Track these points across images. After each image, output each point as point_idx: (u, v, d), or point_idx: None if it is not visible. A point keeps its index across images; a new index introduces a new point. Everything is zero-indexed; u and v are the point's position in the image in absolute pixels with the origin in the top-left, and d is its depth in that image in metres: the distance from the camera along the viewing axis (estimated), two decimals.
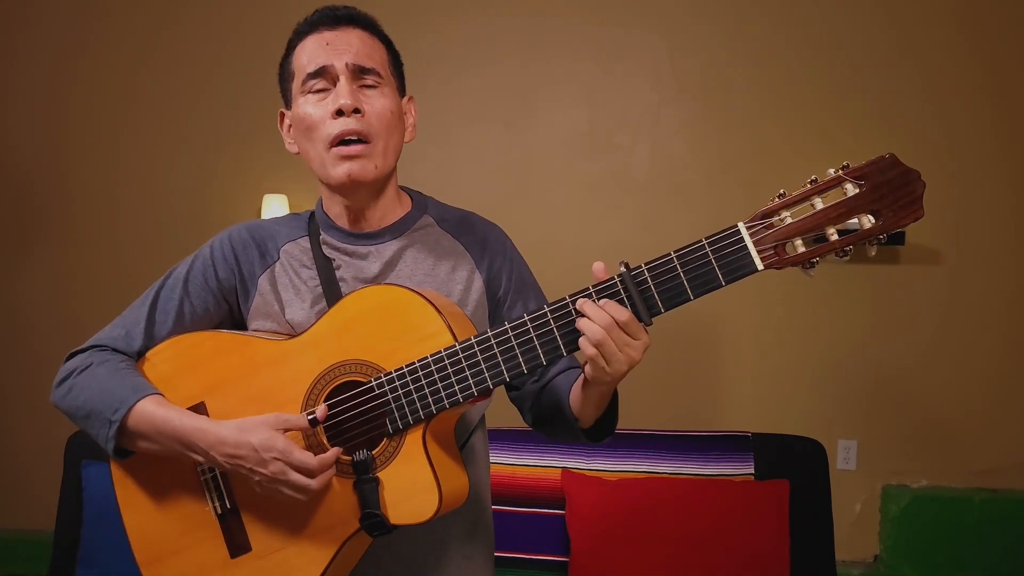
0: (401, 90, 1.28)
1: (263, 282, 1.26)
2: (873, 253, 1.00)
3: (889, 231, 0.98)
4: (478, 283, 1.27)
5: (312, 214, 1.31)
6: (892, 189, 0.97)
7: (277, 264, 1.27)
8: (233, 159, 3.35)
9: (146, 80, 3.40)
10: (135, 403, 1.14)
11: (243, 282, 1.27)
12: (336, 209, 1.27)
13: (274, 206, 3.16)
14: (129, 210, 3.41)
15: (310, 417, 1.11)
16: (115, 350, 1.23)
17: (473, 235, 1.30)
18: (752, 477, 2.18)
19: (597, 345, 1.03)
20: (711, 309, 3.08)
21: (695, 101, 3.16)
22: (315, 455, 1.10)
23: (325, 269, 1.24)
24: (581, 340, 1.04)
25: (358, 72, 1.20)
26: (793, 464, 2.18)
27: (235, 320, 1.29)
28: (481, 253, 1.29)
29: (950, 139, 2.99)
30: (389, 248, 1.25)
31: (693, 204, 3.13)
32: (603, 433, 1.21)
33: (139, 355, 1.24)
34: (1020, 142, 2.99)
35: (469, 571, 1.30)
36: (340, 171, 1.19)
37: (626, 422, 2.44)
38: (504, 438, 2.26)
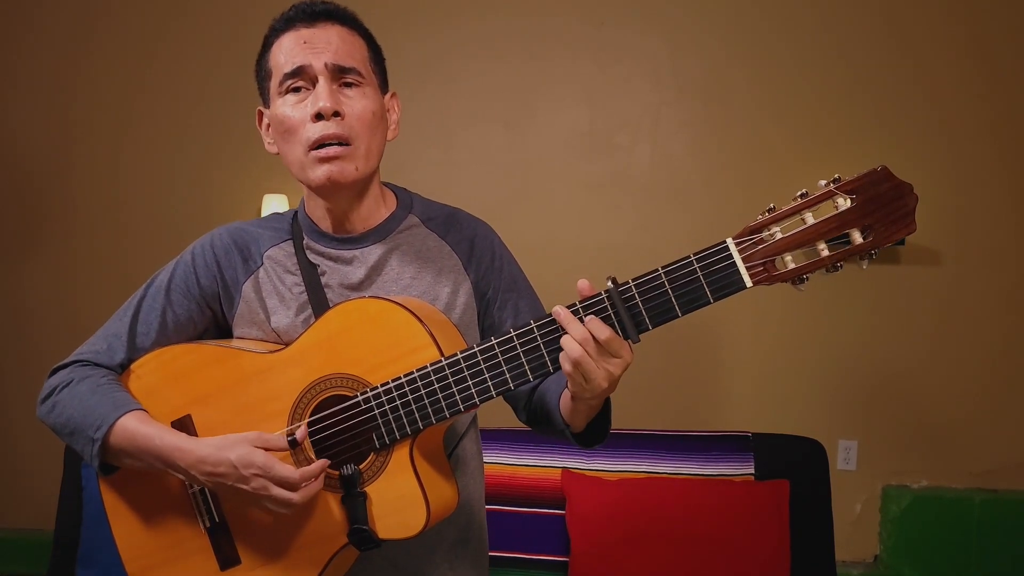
0: (383, 87, 1.24)
1: (247, 289, 1.23)
2: (865, 267, 0.99)
3: (880, 246, 0.96)
4: (466, 286, 1.25)
5: (295, 215, 1.28)
6: (884, 203, 0.95)
7: (261, 270, 1.24)
8: (234, 158, 3.35)
9: (149, 79, 3.40)
10: (115, 420, 1.12)
11: (227, 289, 1.24)
12: (319, 212, 1.24)
13: (274, 206, 3.16)
14: (131, 209, 3.41)
15: (289, 439, 1.10)
16: (97, 364, 1.21)
17: (460, 234, 1.27)
18: (752, 477, 2.18)
19: (575, 364, 1.01)
20: (711, 309, 3.08)
21: (695, 102, 3.16)
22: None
23: (310, 275, 1.22)
24: (560, 356, 1.03)
25: (337, 72, 1.15)
26: (793, 464, 2.18)
27: (219, 326, 1.27)
28: (469, 254, 1.26)
29: (950, 139, 3.00)
30: (374, 253, 1.23)
31: (693, 205, 3.13)
32: (594, 440, 1.20)
33: (122, 367, 1.22)
34: (1020, 143, 2.99)
35: (460, 574, 1.29)
36: (319, 174, 1.16)
37: (626, 422, 2.44)
38: (503, 438, 2.26)
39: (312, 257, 1.23)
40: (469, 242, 1.27)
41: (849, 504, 3.02)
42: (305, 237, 1.25)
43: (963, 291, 3.01)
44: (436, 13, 3.23)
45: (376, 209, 1.25)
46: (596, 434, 1.19)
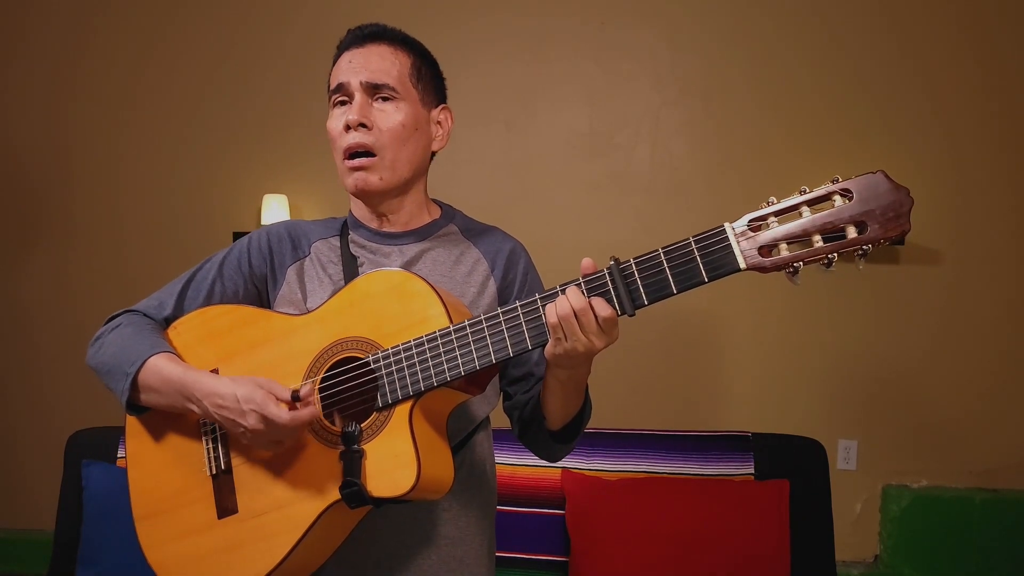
0: (430, 100, 1.34)
1: (291, 273, 1.34)
2: (861, 267, 1.03)
3: (874, 242, 1.00)
4: (491, 289, 1.33)
5: (347, 218, 1.40)
6: (880, 203, 1.00)
7: (307, 259, 1.35)
8: (234, 159, 3.35)
9: (148, 80, 3.40)
10: (148, 357, 1.22)
11: (273, 271, 1.35)
12: (362, 211, 1.36)
13: (274, 206, 3.16)
14: (131, 210, 3.42)
15: (292, 391, 1.16)
16: (146, 315, 1.33)
17: (493, 245, 1.36)
18: (752, 477, 2.18)
19: (561, 319, 1.06)
20: (712, 309, 3.09)
21: (695, 102, 3.16)
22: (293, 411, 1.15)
23: (350, 265, 1.32)
24: (548, 307, 1.08)
25: (371, 88, 1.28)
26: (793, 464, 2.19)
27: (263, 306, 1.36)
28: (497, 263, 1.34)
29: (950, 139, 2.99)
30: (411, 249, 1.33)
31: (693, 205, 3.13)
32: (567, 438, 1.27)
33: (167, 322, 1.33)
34: (1020, 142, 2.99)
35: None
36: (348, 182, 1.30)
37: (626, 422, 2.44)
38: (505, 438, 2.25)
39: (354, 249, 1.35)
40: (499, 253, 1.36)
41: (849, 504, 3.02)
42: (350, 232, 1.37)
43: (963, 291, 3.01)
44: (437, 13, 3.23)
45: (418, 215, 1.36)
46: (569, 433, 1.27)
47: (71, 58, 3.43)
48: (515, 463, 2.25)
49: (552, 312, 1.07)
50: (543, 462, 2.22)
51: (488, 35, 3.25)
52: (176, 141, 3.39)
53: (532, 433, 1.32)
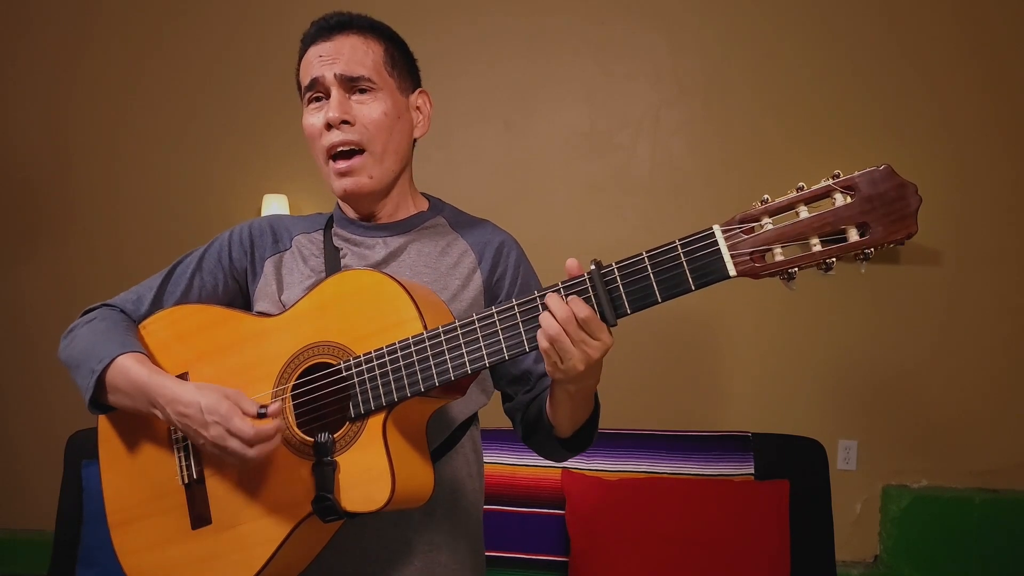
0: (407, 86, 1.31)
1: (269, 265, 1.31)
2: (863, 271, 0.95)
3: (876, 246, 0.91)
4: (477, 282, 1.28)
5: (333, 213, 1.37)
6: (884, 202, 0.90)
7: (287, 252, 1.32)
8: (233, 159, 3.35)
9: (147, 79, 3.40)
10: (116, 356, 1.18)
11: (253, 264, 1.33)
12: (349, 208, 1.33)
13: (274, 206, 3.16)
14: (130, 210, 3.41)
15: (259, 410, 1.11)
16: (122, 311, 1.30)
17: (482, 237, 1.32)
18: (752, 477, 2.18)
19: (551, 340, 1.01)
20: (712, 309, 3.08)
21: (695, 101, 3.16)
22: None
23: (332, 257, 1.29)
24: (538, 333, 1.02)
25: (347, 81, 1.23)
26: (793, 464, 2.19)
27: (244, 301, 1.34)
28: (485, 255, 1.30)
29: (951, 138, 2.99)
30: (396, 240, 1.29)
31: (693, 204, 3.13)
32: (580, 444, 1.21)
33: (143, 319, 1.30)
34: (1021, 142, 2.98)
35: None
36: (337, 187, 1.26)
37: (626, 422, 2.44)
38: (505, 438, 2.26)
39: (337, 242, 1.31)
40: (488, 245, 1.31)
41: (849, 504, 3.02)
42: (335, 225, 1.34)
43: (963, 291, 3.01)
44: (436, 12, 3.23)
45: (405, 206, 1.33)
46: (581, 439, 1.21)
47: (70, 57, 3.43)
48: (515, 463, 2.25)
49: (543, 338, 1.01)
50: (543, 462, 2.22)
51: (487, 34, 3.24)
52: (175, 141, 3.39)
53: (540, 438, 1.27)
